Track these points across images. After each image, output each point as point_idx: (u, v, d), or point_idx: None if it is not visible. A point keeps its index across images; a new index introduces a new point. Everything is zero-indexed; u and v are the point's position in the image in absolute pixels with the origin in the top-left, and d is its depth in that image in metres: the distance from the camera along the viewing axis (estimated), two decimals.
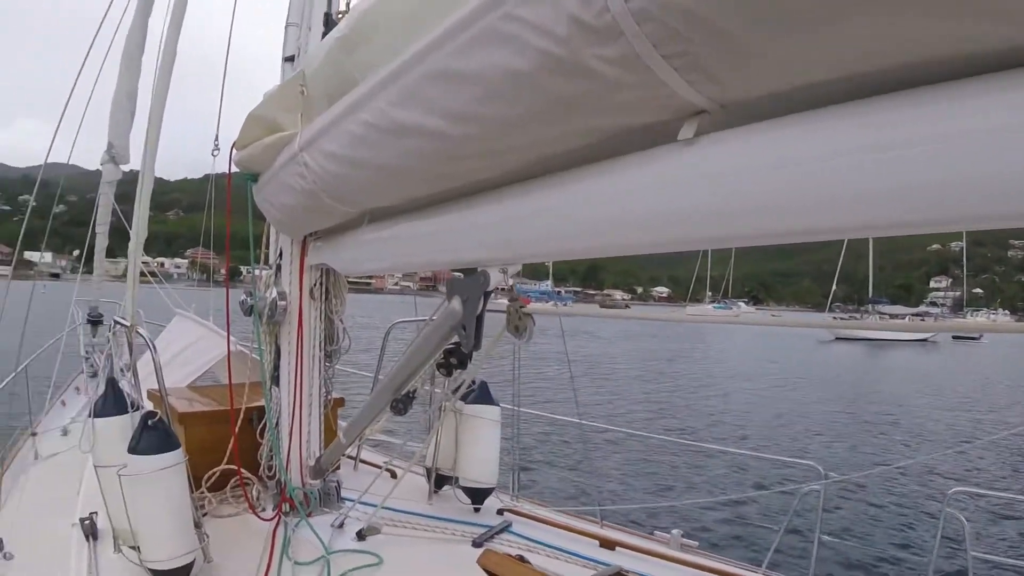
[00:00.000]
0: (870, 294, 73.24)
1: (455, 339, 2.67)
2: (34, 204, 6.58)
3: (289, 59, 3.94)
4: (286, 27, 3.98)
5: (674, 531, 4.40)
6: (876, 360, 44.41)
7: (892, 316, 59.49)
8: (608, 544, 3.73)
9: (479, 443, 4.06)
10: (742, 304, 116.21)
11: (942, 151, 1.11)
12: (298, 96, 2.90)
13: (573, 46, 1.33)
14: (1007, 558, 7.93)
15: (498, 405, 4.17)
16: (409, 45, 1.86)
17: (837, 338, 58.08)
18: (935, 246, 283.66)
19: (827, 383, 29.80)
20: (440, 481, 4.21)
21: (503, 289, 2.59)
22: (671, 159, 1.54)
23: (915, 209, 1.20)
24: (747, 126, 1.42)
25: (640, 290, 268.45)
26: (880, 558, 8.78)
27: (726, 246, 1.62)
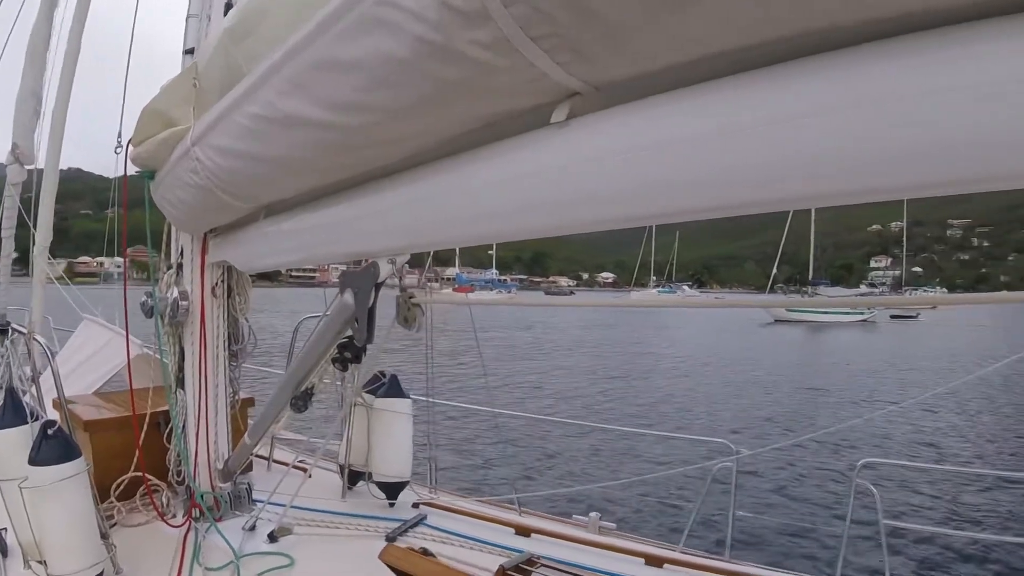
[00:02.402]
0: (811, 276, 74.90)
1: (350, 333, 2.63)
2: None
3: (189, 51, 3.82)
4: (187, 19, 3.86)
5: (592, 514, 4.41)
6: (815, 340, 45.41)
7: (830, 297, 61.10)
8: (523, 531, 3.72)
9: (391, 437, 4.00)
10: (686, 287, 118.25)
11: (811, 127, 1.11)
12: (191, 89, 2.81)
13: (446, 31, 1.31)
14: (918, 524, 8.24)
15: (409, 397, 4.12)
16: (293, 34, 1.81)
17: (776, 320, 59.27)
18: (875, 227, 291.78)
19: (761, 363, 30.33)
20: (354, 477, 4.14)
21: (398, 278, 2.56)
22: (545, 143, 1.54)
23: (782, 187, 1.20)
24: (619, 107, 1.41)
25: (586, 276, 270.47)
26: (795, 530, 9.01)
27: (601, 229, 1.61)
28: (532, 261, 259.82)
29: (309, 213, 2.54)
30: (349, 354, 2.74)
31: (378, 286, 2.47)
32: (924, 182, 1.09)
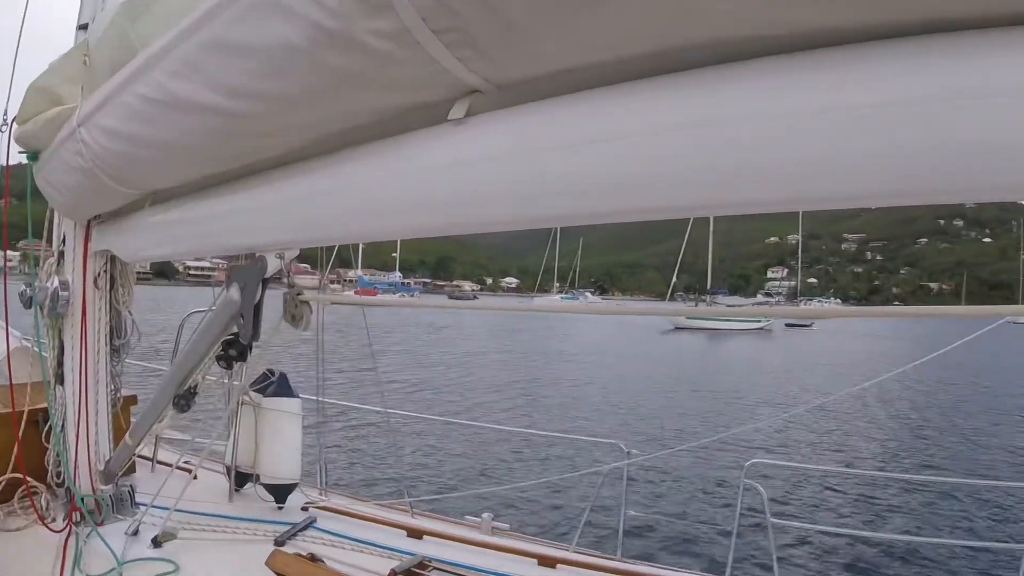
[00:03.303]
0: (709, 285, 77.02)
1: (235, 329, 2.55)
2: None
3: (83, 27, 3.64)
4: None
5: (485, 515, 4.40)
6: (713, 347, 46.74)
7: (729, 306, 63.00)
8: (415, 533, 3.70)
9: (280, 437, 3.91)
10: (589, 294, 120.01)
11: (705, 137, 1.13)
12: (81, 66, 2.69)
13: (345, 19, 1.28)
14: (803, 523, 8.59)
15: (298, 397, 4.04)
16: (190, 13, 1.74)
17: (677, 327, 60.74)
18: (773, 239, 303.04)
19: (659, 368, 31.00)
20: (241, 479, 4.03)
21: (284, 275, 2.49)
22: (442, 140, 1.53)
23: (683, 194, 1.21)
24: (518, 106, 1.41)
25: (489, 281, 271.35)
26: (686, 529, 9.25)
27: (494, 230, 1.60)
28: (437, 264, 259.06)
29: (197, 203, 2.45)
30: (234, 352, 2.65)
31: (265, 281, 2.39)
32: (787, 198, 1.13)
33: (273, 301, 2.50)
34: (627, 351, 39.65)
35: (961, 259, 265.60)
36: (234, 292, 2.46)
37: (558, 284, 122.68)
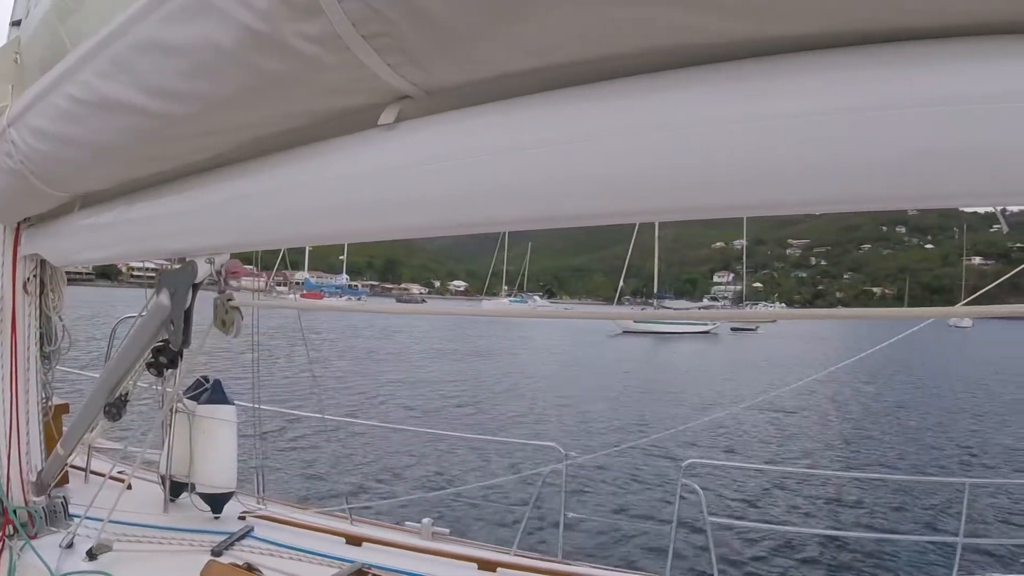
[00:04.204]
0: (656, 289, 77.85)
1: (165, 336, 2.51)
2: None
3: (16, 23, 3.54)
4: None
5: (425, 520, 4.38)
6: (659, 350, 47.22)
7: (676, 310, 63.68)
8: (355, 540, 3.67)
9: (215, 445, 3.84)
10: (537, 297, 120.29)
11: (637, 143, 1.14)
12: (12, 64, 2.62)
13: (275, 22, 1.28)
14: (740, 521, 8.74)
15: (233, 404, 3.98)
16: (120, 12, 1.71)
17: (625, 331, 61.25)
18: (719, 244, 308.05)
19: (604, 372, 31.25)
20: (176, 489, 3.95)
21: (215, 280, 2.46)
22: (371, 144, 1.52)
23: (612, 200, 1.22)
24: (449, 112, 1.41)
25: (438, 284, 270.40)
26: (626, 529, 9.29)
27: (424, 235, 1.61)
28: (384, 267, 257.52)
29: (127, 205, 2.41)
30: (164, 358, 2.61)
31: (195, 287, 2.36)
32: (721, 204, 1.15)
33: (207, 305, 2.48)
34: (574, 354, 39.93)
35: (903, 264, 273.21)
36: (164, 297, 2.42)
37: (507, 287, 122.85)
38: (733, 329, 72.59)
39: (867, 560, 8.83)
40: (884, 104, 0.97)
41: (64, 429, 3.86)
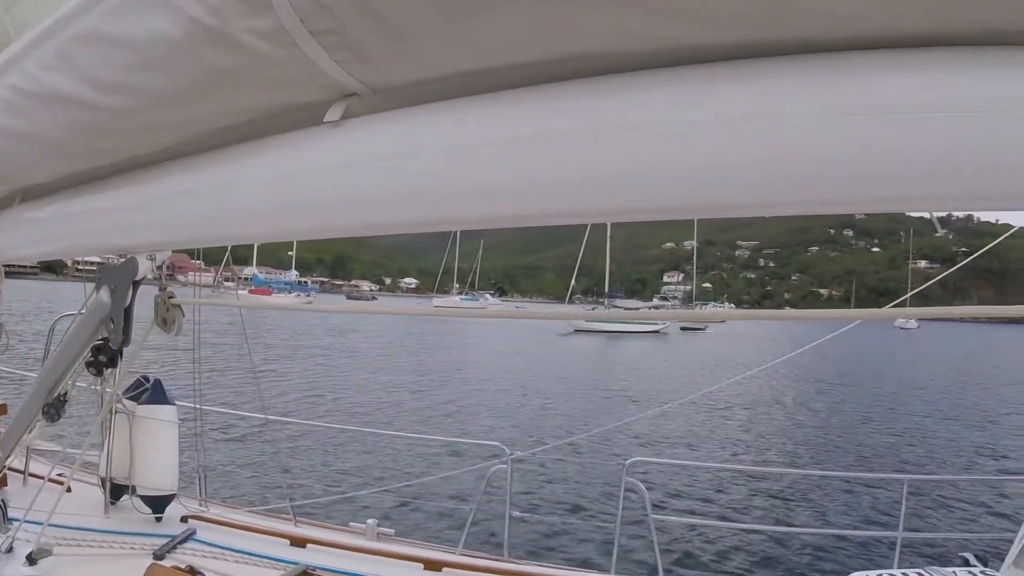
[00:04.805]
0: (607, 288, 78.46)
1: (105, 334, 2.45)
2: None
3: None
4: None
5: (369, 521, 4.36)
6: (609, 349, 47.61)
7: (627, 309, 64.32)
8: (299, 542, 3.63)
9: (155, 446, 3.77)
10: (488, 295, 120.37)
11: (585, 145, 1.14)
12: None
13: (224, 16, 1.26)
14: (683, 518, 8.86)
15: (174, 404, 3.91)
16: (66, 2, 1.67)
17: (576, 330, 61.60)
18: (669, 244, 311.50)
19: (553, 370, 31.41)
20: (117, 491, 3.87)
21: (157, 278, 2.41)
22: (317, 142, 1.51)
23: (560, 202, 1.22)
24: (395, 111, 1.40)
25: (388, 281, 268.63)
26: (571, 527, 9.39)
27: (368, 234, 1.60)
28: (334, 263, 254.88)
29: (69, 200, 2.35)
30: (104, 357, 2.55)
31: (136, 283, 2.32)
32: (668, 206, 1.16)
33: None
34: (525, 353, 40.03)
35: (851, 267, 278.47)
36: (104, 295, 2.37)
37: (458, 285, 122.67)
38: (682, 328, 73.59)
39: (809, 555, 9.02)
40: (826, 111, 1.00)
41: (1, 431, 3.77)
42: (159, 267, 2.35)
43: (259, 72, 1.37)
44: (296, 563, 3.29)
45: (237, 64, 1.36)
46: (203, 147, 1.80)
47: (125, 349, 2.46)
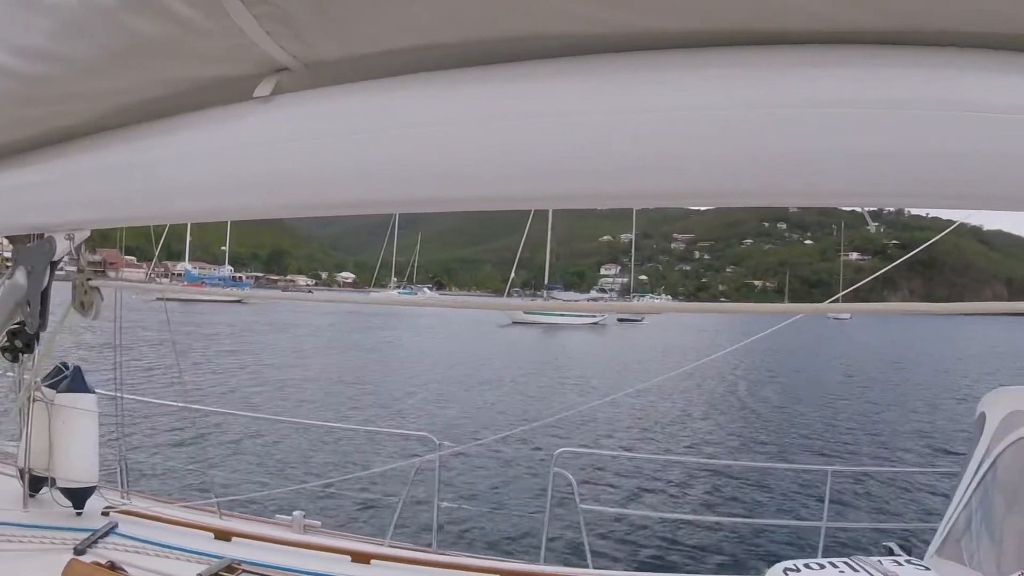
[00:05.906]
0: (546, 280, 78.89)
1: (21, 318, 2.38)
2: None
3: None
4: None
5: (296, 513, 4.33)
6: (547, 341, 47.88)
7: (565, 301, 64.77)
8: (224, 535, 3.57)
9: (75, 436, 3.63)
10: (427, 290, 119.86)
11: (519, 128, 1.16)
12: None
13: None
14: (610, 507, 8.99)
15: (94, 392, 3.79)
16: None
17: (514, 322, 61.90)
18: (607, 237, 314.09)
19: (491, 361, 31.71)
20: (35, 483, 3.73)
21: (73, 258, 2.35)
22: (246, 117, 1.48)
23: (491, 185, 1.22)
24: (326, 88, 1.38)
25: (325, 275, 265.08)
26: (500, 518, 9.41)
27: (295, 216, 1.57)
28: (269, 258, 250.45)
29: None
30: (20, 342, 2.47)
31: (53, 265, 2.25)
32: (602, 193, 1.18)
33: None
34: (461, 345, 40.02)
35: (784, 259, 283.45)
36: (20, 276, 2.29)
37: (396, 279, 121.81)
38: (620, 320, 74.55)
39: (736, 544, 9.20)
40: (774, 103, 1.02)
41: None
42: (77, 248, 2.29)
43: (187, 42, 1.34)
44: (221, 557, 3.23)
45: (164, 32, 1.32)
46: (127, 121, 1.74)
47: (42, 334, 2.39)
